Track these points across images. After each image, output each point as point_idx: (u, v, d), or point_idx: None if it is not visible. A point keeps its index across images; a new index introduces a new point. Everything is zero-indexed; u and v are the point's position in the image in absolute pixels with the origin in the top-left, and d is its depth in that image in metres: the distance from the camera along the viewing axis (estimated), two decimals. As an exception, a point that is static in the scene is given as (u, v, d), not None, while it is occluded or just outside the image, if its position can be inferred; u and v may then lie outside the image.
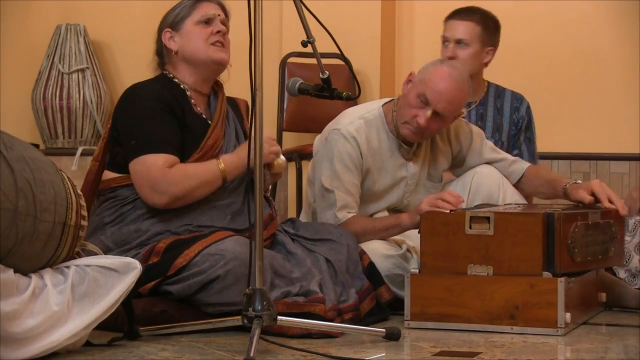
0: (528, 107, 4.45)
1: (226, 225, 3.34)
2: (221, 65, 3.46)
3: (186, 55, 3.43)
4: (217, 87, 3.55)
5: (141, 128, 3.30)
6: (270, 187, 3.74)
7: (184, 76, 3.45)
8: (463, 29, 4.28)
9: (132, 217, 3.33)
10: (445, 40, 4.31)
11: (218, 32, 3.43)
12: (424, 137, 3.81)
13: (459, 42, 4.28)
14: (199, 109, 3.45)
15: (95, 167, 3.42)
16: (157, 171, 3.25)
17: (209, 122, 3.44)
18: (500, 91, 4.45)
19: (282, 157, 3.47)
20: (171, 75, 3.46)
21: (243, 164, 3.34)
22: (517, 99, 4.45)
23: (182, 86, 3.44)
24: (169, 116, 3.33)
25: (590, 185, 3.67)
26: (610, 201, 3.60)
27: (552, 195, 3.93)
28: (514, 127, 4.40)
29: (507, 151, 4.20)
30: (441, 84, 3.68)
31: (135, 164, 3.28)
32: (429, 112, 3.69)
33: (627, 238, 3.88)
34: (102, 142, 3.43)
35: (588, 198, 3.63)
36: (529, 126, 4.44)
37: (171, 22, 3.45)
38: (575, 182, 3.77)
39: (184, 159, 3.32)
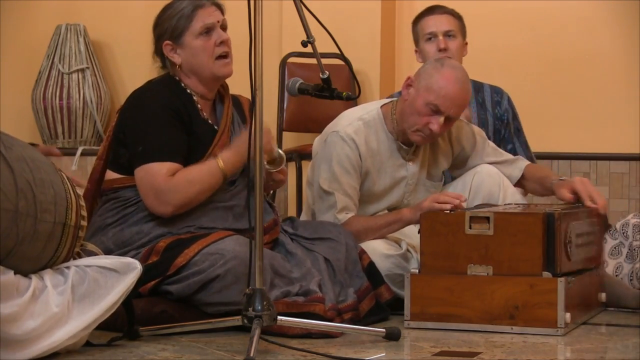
0: (509, 99, 4.44)
1: (228, 226, 3.34)
2: (226, 78, 3.46)
3: (191, 69, 3.40)
4: (222, 90, 3.52)
5: (148, 135, 3.29)
6: (271, 191, 3.73)
7: (190, 84, 3.42)
8: (447, 21, 4.29)
9: (134, 219, 3.32)
10: (431, 36, 4.28)
11: (221, 42, 3.39)
12: (434, 140, 3.83)
13: (447, 34, 4.28)
14: (205, 114, 3.43)
15: (100, 166, 3.41)
16: (161, 180, 3.24)
17: (215, 127, 3.43)
18: (478, 86, 4.43)
19: (280, 151, 3.45)
20: (178, 79, 3.44)
21: (242, 160, 3.31)
22: (497, 92, 4.44)
23: (188, 91, 3.42)
24: (176, 123, 3.31)
25: (572, 183, 3.68)
26: (592, 199, 3.60)
27: (544, 193, 3.94)
28: (498, 121, 4.40)
29: (496, 145, 4.17)
30: (450, 89, 3.66)
31: (140, 171, 3.28)
32: (442, 119, 3.68)
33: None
34: (107, 140, 3.42)
35: (568, 196, 3.65)
36: (515, 117, 4.44)
37: (170, 34, 3.38)
38: (561, 179, 3.77)
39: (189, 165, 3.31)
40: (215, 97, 3.50)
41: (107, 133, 3.45)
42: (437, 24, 4.29)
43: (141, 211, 3.32)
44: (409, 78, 3.78)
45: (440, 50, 4.22)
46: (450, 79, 3.67)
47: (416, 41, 4.35)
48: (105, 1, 5.93)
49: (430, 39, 4.28)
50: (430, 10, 4.33)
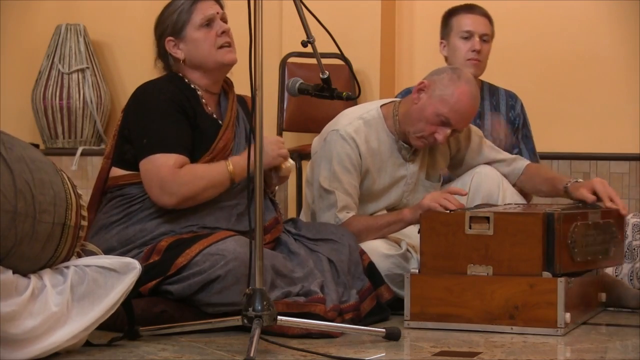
0: (522, 105, 4.48)
1: (231, 227, 3.34)
2: (232, 66, 3.46)
3: (195, 62, 3.40)
4: (227, 86, 3.53)
5: (153, 127, 3.29)
6: (276, 189, 3.73)
7: (194, 79, 3.43)
8: (485, 24, 4.31)
9: (138, 217, 3.32)
10: (468, 35, 4.29)
11: (223, 32, 3.40)
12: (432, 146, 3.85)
13: (482, 36, 4.29)
14: (209, 109, 3.44)
15: (108, 165, 3.41)
16: (167, 171, 3.24)
17: (220, 122, 3.43)
18: (494, 89, 4.46)
19: (291, 161, 3.47)
20: (181, 75, 3.44)
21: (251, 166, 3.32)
22: (512, 97, 4.48)
23: (192, 86, 3.42)
24: (181, 116, 3.31)
25: (592, 184, 3.67)
26: (612, 200, 3.60)
27: (552, 194, 3.93)
28: (510, 124, 4.42)
29: (506, 150, 4.20)
30: (463, 104, 3.66)
31: (146, 163, 3.27)
32: (448, 131, 3.69)
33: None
34: (113, 139, 3.42)
35: (591, 197, 3.63)
36: (525, 124, 4.47)
37: (172, 30, 3.40)
38: (577, 181, 3.77)
39: (194, 160, 3.31)
40: (220, 93, 3.51)
41: (113, 132, 3.44)
42: (476, 24, 4.30)
43: (146, 209, 3.32)
44: (422, 82, 3.76)
45: (474, 51, 4.24)
46: (466, 94, 3.67)
47: (446, 34, 4.35)
48: (105, 1, 5.93)
49: (466, 37, 4.29)
50: (470, 9, 4.35)
